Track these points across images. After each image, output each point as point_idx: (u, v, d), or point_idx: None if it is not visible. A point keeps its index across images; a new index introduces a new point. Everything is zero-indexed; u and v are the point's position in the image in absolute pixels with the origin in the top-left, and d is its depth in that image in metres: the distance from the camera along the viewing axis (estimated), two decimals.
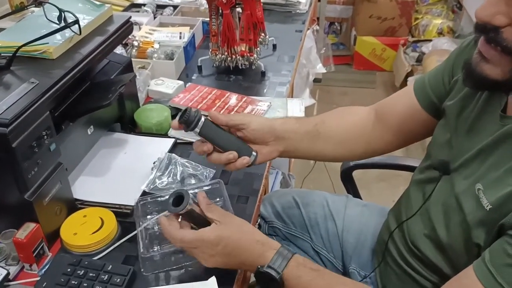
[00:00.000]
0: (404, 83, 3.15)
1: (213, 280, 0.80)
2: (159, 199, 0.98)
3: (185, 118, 0.84)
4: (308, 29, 2.35)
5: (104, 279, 0.82)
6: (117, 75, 1.14)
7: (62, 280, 0.81)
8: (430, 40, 3.25)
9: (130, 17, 1.13)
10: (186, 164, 1.08)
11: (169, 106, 1.29)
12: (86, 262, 0.84)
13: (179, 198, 0.81)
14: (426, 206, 0.89)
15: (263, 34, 1.50)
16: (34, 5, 1.12)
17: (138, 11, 1.84)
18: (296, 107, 1.35)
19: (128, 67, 1.19)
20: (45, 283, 0.81)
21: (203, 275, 0.83)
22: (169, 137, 1.20)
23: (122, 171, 1.09)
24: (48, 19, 1.00)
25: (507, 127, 0.74)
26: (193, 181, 1.05)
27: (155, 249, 0.89)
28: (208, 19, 1.46)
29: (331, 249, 1.17)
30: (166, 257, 0.87)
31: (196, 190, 0.97)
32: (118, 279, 0.82)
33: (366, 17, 3.44)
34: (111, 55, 1.16)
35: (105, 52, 1.03)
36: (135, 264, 0.87)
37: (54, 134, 0.88)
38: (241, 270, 0.88)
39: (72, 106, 0.99)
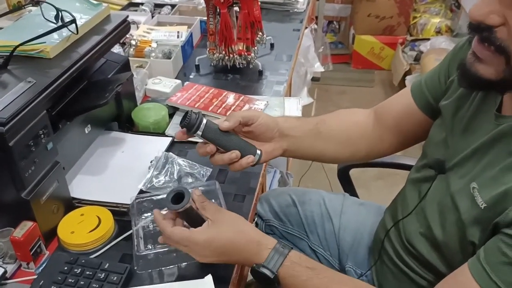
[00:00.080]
0: (402, 82, 3.15)
1: (209, 278, 0.80)
2: (155, 198, 0.98)
3: (186, 122, 0.83)
4: (306, 28, 2.35)
5: (101, 277, 0.82)
6: (114, 74, 1.15)
7: (59, 278, 0.82)
8: (428, 39, 3.25)
9: (127, 16, 1.13)
10: (183, 163, 1.09)
11: (167, 105, 1.29)
12: (83, 261, 0.85)
13: (178, 196, 0.80)
14: (421, 205, 0.89)
15: (260, 33, 1.50)
16: (31, 4, 1.12)
17: (136, 10, 1.85)
18: (293, 106, 1.35)
19: (125, 66, 1.20)
20: (42, 281, 0.82)
21: (200, 273, 0.84)
22: (166, 136, 1.21)
23: (119, 170, 1.10)
24: (45, 19, 1.00)
25: (502, 126, 0.75)
26: (190, 180, 1.06)
27: (149, 248, 0.90)
28: (206, 18, 1.46)
29: (328, 248, 1.17)
30: (161, 255, 0.87)
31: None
32: (115, 277, 0.82)
33: (364, 16, 3.44)
34: (108, 54, 1.16)
35: (102, 52, 1.03)
36: (132, 262, 0.87)
37: (51, 133, 0.89)
38: (238, 268, 0.89)
39: (69, 105, 0.99)
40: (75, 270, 0.83)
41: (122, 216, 0.97)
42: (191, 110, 0.84)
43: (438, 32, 3.33)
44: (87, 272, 0.83)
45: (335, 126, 1.04)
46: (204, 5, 1.45)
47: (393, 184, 2.37)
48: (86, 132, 1.09)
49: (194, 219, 0.82)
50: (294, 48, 1.71)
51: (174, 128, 1.23)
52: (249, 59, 1.49)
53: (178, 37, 1.57)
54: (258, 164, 0.92)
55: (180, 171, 1.07)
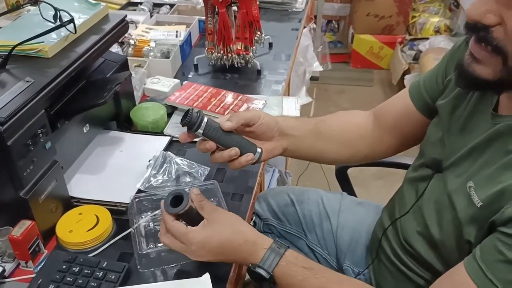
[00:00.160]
0: (401, 81, 3.16)
1: (206, 277, 0.80)
2: (154, 197, 0.99)
3: (187, 120, 0.82)
4: (305, 27, 2.35)
5: (99, 276, 0.82)
6: (113, 74, 1.15)
7: (58, 277, 0.82)
8: (427, 38, 3.25)
9: (126, 16, 1.13)
10: (181, 162, 1.09)
11: (165, 104, 1.29)
12: (81, 259, 0.85)
13: (177, 198, 0.80)
14: (419, 204, 0.90)
15: (259, 33, 1.50)
16: (30, 4, 1.12)
17: (135, 10, 1.85)
18: (291, 105, 1.36)
19: (123, 66, 1.20)
20: (40, 280, 0.82)
21: (197, 272, 0.84)
22: (165, 135, 1.21)
23: (117, 169, 1.10)
24: (43, 18, 1.01)
25: (498, 125, 0.75)
26: (188, 179, 1.06)
27: (151, 246, 0.90)
28: (204, 17, 1.46)
29: (326, 247, 1.18)
30: (162, 254, 0.87)
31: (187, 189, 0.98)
32: (113, 276, 0.82)
33: (363, 15, 3.44)
34: (106, 54, 1.16)
35: (101, 51, 1.04)
36: (130, 261, 0.88)
37: (49, 132, 0.89)
38: (236, 267, 0.89)
39: (68, 105, 0.99)
40: (74, 268, 0.83)
41: (120, 215, 0.97)
42: (192, 109, 0.84)
43: (437, 31, 3.33)
44: (86, 271, 0.83)
45: (335, 127, 1.04)
46: (202, 4, 1.46)
47: (392, 184, 2.36)
48: (85, 131, 1.09)
49: (194, 219, 0.82)
50: (292, 47, 1.71)
51: (172, 127, 1.24)
52: (247, 59, 1.49)
53: (176, 36, 1.57)
54: (258, 162, 0.92)
55: (178, 170, 1.07)
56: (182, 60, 1.57)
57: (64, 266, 0.84)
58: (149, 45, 1.51)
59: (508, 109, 0.75)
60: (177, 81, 1.41)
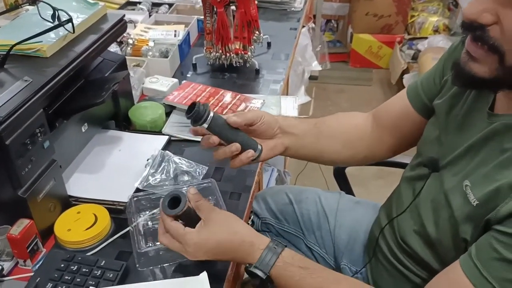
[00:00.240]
0: (400, 81, 3.16)
1: (204, 275, 0.81)
2: (152, 196, 0.99)
3: (194, 113, 0.82)
4: (304, 26, 2.36)
5: (97, 274, 0.83)
6: (111, 73, 1.15)
7: (56, 275, 0.82)
8: (426, 38, 3.26)
9: (124, 15, 1.13)
10: (180, 161, 1.09)
11: (163, 103, 1.29)
12: (80, 258, 0.86)
13: (175, 199, 0.80)
14: (416, 203, 0.90)
15: (257, 32, 1.51)
16: (28, 4, 1.12)
17: (134, 9, 1.85)
18: (289, 104, 1.36)
19: (122, 65, 1.20)
20: (38, 279, 0.82)
21: (195, 271, 0.84)
22: (163, 134, 1.21)
23: (116, 168, 1.10)
24: (42, 18, 1.01)
25: (494, 124, 0.76)
26: (186, 178, 1.06)
27: (149, 245, 0.91)
28: (203, 17, 1.47)
29: (324, 246, 1.18)
30: (160, 252, 0.88)
31: (184, 189, 0.98)
32: (111, 275, 0.83)
33: (362, 15, 3.45)
34: (105, 53, 1.17)
35: (99, 50, 1.04)
36: (129, 259, 0.88)
37: (47, 132, 0.89)
38: (233, 265, 0.90)
39: (66, 104, 0.99)
40: (72, 267, 0.84)
41: (118, 214, 0.97)
42: (199, 102, 0.83)
43: (436, 30, 3.34)
44: (84, 269, 0.83)
45: (334, 127, 1.05)
46: (201, 4, 1.46)
47: (392, 183, 2.34)
48: (83, 130, 1.09)
49: (192, 219, 0.82)
50: (291, 47, 1.72)
51: (171, 126, 1.24)
52: (246, 58, 1.49)
53: (175, 36, 1.58)
54: (259, 160, 0.92)
55: (176, 169, 1.07)
56: (181, 59, 1.58)
57: (62, 265, 0.84)
58: (147, 45, 1.51)
59: (504, 108, 0.76)
60: (175, 80, 1.41)
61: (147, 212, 0.97)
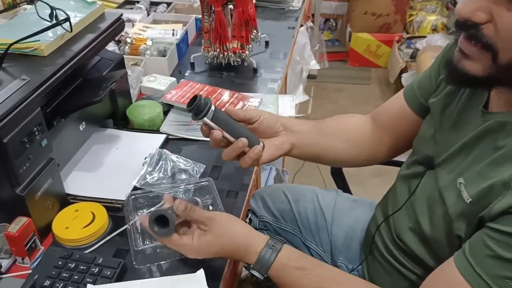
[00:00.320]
0: (398, 80, 3.17)
1: (201, 273, 0.81)
2: (149, 194, 1.00)
3: (195, 106, 0.81)
4: (302, 25, 2.36)
5: (95, 271, 0.83)
6: (109, 72, 1.15)
7: (54, 273, 0.83)
8: (424, 37, 3.27)
9: (122, 14, 1.14)
10: (177, 159, 1.10)
11: (161, 102, 1.30)
12: (77, 255, 0.86)
13: (161, 218, 0.78)
14: (411, 201, 0.91)
15: (255, 31, 1.51)
16: (26, 3, 1.13)
17: (132, 8, 1.85)
18: (287, 103, 1.37)
19: (120, 64, 1.21)
20: (36, 276, 0.83)
21: (192, 268, 0.85)
22: (161, 133, 1.22)
23: (114, 166, 1.11)
24: (40, 17, 1.02)
25: (488, 122, 0.76)
26: (183, 176, 1.07)
27: (147, 243, 0.91)
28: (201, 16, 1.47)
29: (321, 243, 1.19)
30: (157, 250, 0.88)
31: (182, 187, 0.98)
32: (109, 272, 0.83)
33: (361, 14, 3.45)
34: (103, 52, 1.17)
35: (97, 49, 1.04)
36: (126, 257, 0.89)
37: (45, 130, 0.90)
38: (230, 263, 0.90)
39: (64, 103, 1.00)
40: (69, 264, 0.84)
41: (116, 212, 0.98)
42: (200, 95, 0.82)
43: (434, 29, 3.34)
44: (81, 267, 0.84)
45: (335, 127, 1.06)
46: (199, 3, 1.46)
47: (389, 181, 2.35)
48: (81, 129, 1.10)
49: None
50: (289, 46, 1.72)
51: (168, 125, 1.25)
52: (243, 57, 1.50)
53: (173, 35, 1.58)
54: (265, 160, 0.91)
55: (174, 167, 1.08)
56: (179, 58, 1.58)
57: (60, 262, 0.85)
58: (145, 44, 1.51)
59: (498, 106, 0.76)
60: (173, 79, 1.41)
61: (145, 210, 0.97)
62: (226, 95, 1.36)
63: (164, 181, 1.05)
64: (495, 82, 0.73)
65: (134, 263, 0.86)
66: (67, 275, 0.83)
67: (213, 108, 0.83)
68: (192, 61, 1.55)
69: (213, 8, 1.43)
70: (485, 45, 0.68)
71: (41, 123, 0.88)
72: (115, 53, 1.29)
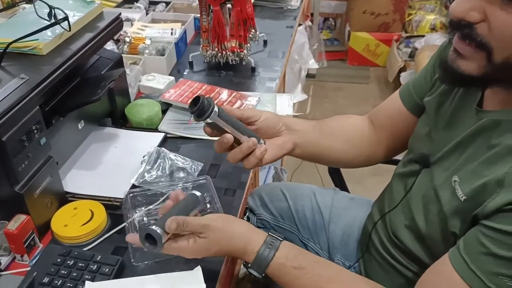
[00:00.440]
0: (397, 79, 3.17)
1: (198, 270, 0.82)
2: (148, 192, 1.01)
3: (199, 107, 0.79)
4: (301, 25, 2.37)
5: (93, 269, 0.84)
6: (107, 71, 1.16)
7: (52, 270, 0.84)
8: (423, 36, 3.27)
9: (120, 13, 1.14)
10: (175, 157, 1.11)
11: (160, 101, 1.31)
12: (76, 253, 0.87)
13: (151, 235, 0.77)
14: (407, 198, 0.91)
15: (253, 30, 1.52)
16: (25, 2, 1.13)
17: (131, 7, 1.86)
18: (285, 102, 1.37)
19: (118, 63, 1.21)
20: (35, 273, 0.83)
21: (190, 265, 0.85)
22: (159, 131, 1.22)
23: (112, 165, 1.11)
24: (38, 16, 1.02)
25: (482, 121, 0.77)
26: (181, 175, 1.07)
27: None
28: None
29: (318, 241, 1.19)
30: None
31: (180, 185, 0.99)
32: (107, 269, 0.84)
33: (360, 13, 3.46)
34: (101, 51, 1.18)
35: (95, 48, 1.05)
36: (124, 254, 0.90)
37: (44, 129, 0.91)
38: (227, 260, 0.91)
39: (63, 101, 1.01)
40: (68, 262, 0.85)
41: (115, 210, 0.99)
42: (203, 95, 0.81)
43: (433, 29, 3.34)
44: (80, 264, 0.85)
45: (335, 126, 1.06)
46: (198, 2, 1.47)
47: (387, 180, 2.35)
48: (80, 127, 1.10)
49: None
50: (287, 45, 1.73)
51: (167, 124, 1.25)
52: (241, 56, 1.50)
53: (172, 34, 1.59)
54: (267, 159, 0.90)
55: (172, 165, 1.09)
56: (177, 57, 1.59)
57: (59, 260, 0.85)
58: (144, 43, 1.52)
59: (492, 105, 0.77)
60: (172, 78, 1.42)
61: (143, 208, 0.98)
62: (224, 94, 1.36)
63: (162, 179, 1.06)
64: (490, 81, 0.73)
65: (132, 260, 0.87)
66: (65, 272, 0.83)
67: (216, 109, 0.82)
68: (190, 60, 1.56)
69: (211, 7, 1.43)
70: (479, 44, 0.68)
71: (40, 122, 0.89)
72: (114, 52, 1.30)
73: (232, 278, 1.19)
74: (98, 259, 0.86)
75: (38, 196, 0.91)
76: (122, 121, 1.25)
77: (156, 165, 1.08)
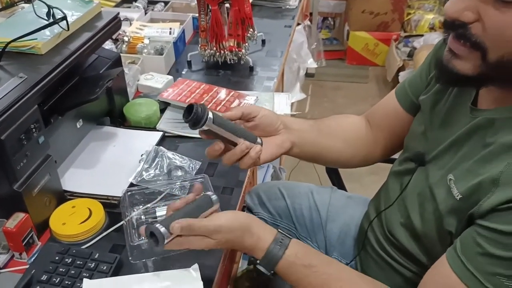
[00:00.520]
0: (396, 78, 3.18)
1: (195, 267, 0.83)
2: (146, 190, 1.01)
3: (193, 116, 0.79)
4: (299, 24, 2.37)
5: (91, 266, 0.84)
6: (106, 70, 1.17)
7: (51, 268, 0.84)
8: (422, 35, 3.28)
9: (118, 13, 1.15)
10: (173, 156, 1.11)
11: (158, 100, 1.31)
12: (74, 251, 0.87)
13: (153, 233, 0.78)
14: (403, 196, 0.92)
15: (251, 30, 1.52)
16: (23, 2, 1.14)
17: (130, 7, 1.87)
18: (282, 101, 1.38)
19: (117, 62, 1.22)
20: (34, 271, 0.84)
21: (187, 263, 0.86)
22: (158, 130, 1.23)
23: (110, 163, 1.12)
24: (37, 15, 1.03)
25: (477, 119, 0.77)
26: (179, 173, 1.08)
27: (142, 238, 0.92)
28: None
29: (315, 239, 1.20)
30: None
31: (177, 183, 0.99)
32: (105, 267, 0.85)
33: (359, 12, 3.47)
34: (100, 51, 1.18)
35: (93, 48, 1.06)
36: (122, 252, 0.90)
37: (42, 127, 0.91)
38: (224, 258, 0.91)
39: (61, 100, 1.01)
40: (66, 260, 0.86)
41: (113, 208, 0.99)
42: (196, 103, 0.80)
43: (432, 28, 3.35)
44: (78, 262, 0.85)
45: (333, 126, 1.07)
46: (196, 1, 1.47)
47: (385, 179, 2.38)
48: (78, 126, 1.11)
49: None
50: (285, 44, 1.73)
51: (165, 123, 1.26)
52: (240, 55, 1.51)
53: (170, 33, 1.59)
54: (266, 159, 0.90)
55: (170, 164, 1.09)
56: (176, 56, 1.59)
57: (57, 258, 0.86)
58: (143, 42, 1.52)
59: (487, 103, 0.77)
60: (170, 77, 1.43)
61: (141, 206, 0.98)
62: (222, 93, 1.37)
63: (160, 178, 1.06)
64: (485, 81, 0.73)
65: (130, 258, 0.88)
66: (63, 270, 0.84)
67: (210, 115, 0.81)
68: (189, 59, 1.56)
69: (209, 7, 1.44)
70: (474, 44, 0.69)
71: (38, 121, 0.90)
72: (112, 52, 1.31)
73: (230, 276, 1.20)
74: (96, 257, 0.86)
75: (37, 194, 0.91)
76: (120, 120, 1.26)
77: (154, 164, 1.09)
